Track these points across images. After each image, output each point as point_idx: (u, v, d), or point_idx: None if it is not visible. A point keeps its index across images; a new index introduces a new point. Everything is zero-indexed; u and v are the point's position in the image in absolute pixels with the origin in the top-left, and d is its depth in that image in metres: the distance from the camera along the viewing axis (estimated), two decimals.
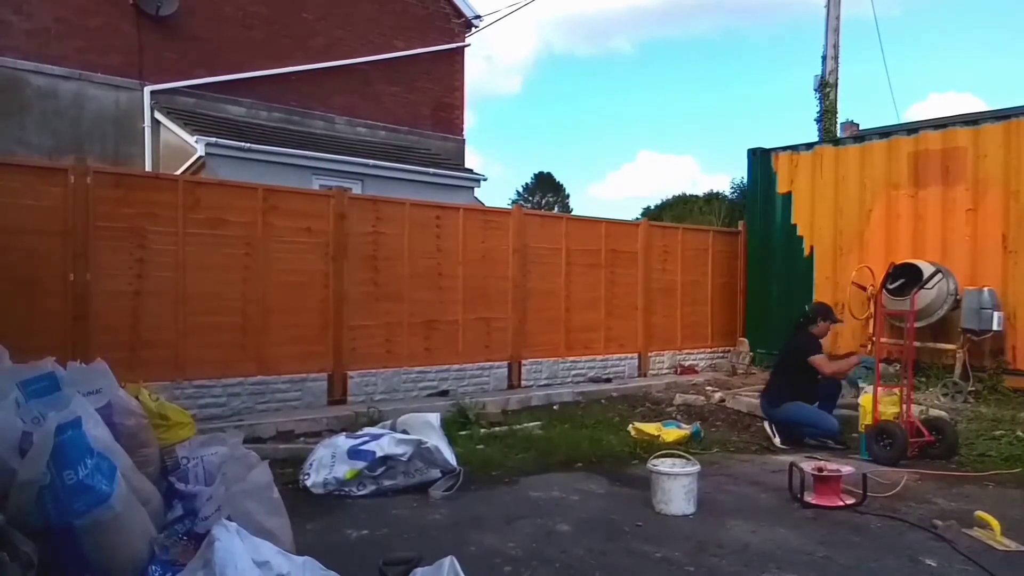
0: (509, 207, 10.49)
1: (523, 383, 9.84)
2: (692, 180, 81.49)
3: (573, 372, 10.42)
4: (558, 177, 51.67)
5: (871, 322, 9.82)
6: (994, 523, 4.43)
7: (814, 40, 14.61)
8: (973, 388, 8.92)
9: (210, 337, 7.41)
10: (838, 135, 14.40)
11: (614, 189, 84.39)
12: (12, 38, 10.62)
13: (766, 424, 7.61)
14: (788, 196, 11.80)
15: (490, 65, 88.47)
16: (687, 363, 11.74)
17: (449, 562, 2.93)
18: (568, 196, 50.87)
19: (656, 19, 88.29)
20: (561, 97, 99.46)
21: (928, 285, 9.15)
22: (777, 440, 7.27)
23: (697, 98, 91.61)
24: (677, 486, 4.89)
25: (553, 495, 5.36)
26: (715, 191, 30.70)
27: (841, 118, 15.27)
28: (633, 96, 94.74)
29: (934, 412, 7.69)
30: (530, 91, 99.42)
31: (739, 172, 12.84)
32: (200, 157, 10.62)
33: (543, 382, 10.04)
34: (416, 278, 8.91)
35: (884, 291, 8.83)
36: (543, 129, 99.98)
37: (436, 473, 5.43)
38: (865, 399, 6.87)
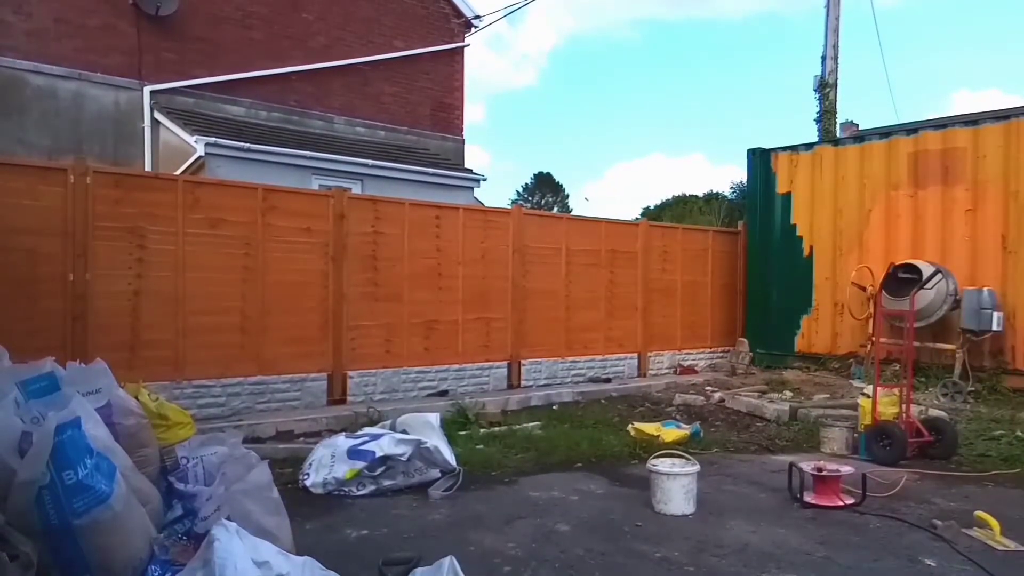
0: (509, 207, 10.49)
1: (523, 383, 9.85)
2: (699, 176, 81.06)
3: (573, 372, 10.42)
4: (557, 177, 51.83)
5: (871, 322, 9.84)
6: (993, 523, 4.43)
7: (818, 39, 14.58)
8: (973, 388, 8.92)
9: (210, 337, 7.41)
10: (837, 135, 14.42)
11: (614, 189, 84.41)
12: (12, 38, 10.61)
13: None
14: (788, 196, 11.81)
15: (501, 62, 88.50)
16: (687, 363, 11.74)
17: (449, 562, 2.94)
18: (568, 196, 50.92)
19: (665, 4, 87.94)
20: (568, 95, 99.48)
21: (928, 285, 9.17)
22: None
23: (701, 94, 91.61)
24: (676, 486, 4.90)
25: (553, 495, 5.36)
26: (715, 191, 30.73)
27: (848, 117, 15.32)
28: (639, 92, 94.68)
29: (933, 412, 7.69)
30: (540, 89, 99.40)
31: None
32: (200, 157, 10.61)
33: (543, 382, 10.05)
34: (416, 278, 8.91)
35: (883, 291, 8.85)
36: (552, 127, 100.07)
37: (436, 473, 5.43)
38: (864, 399, 6.86)
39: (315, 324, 8.15)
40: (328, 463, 5.40)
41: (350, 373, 8.37)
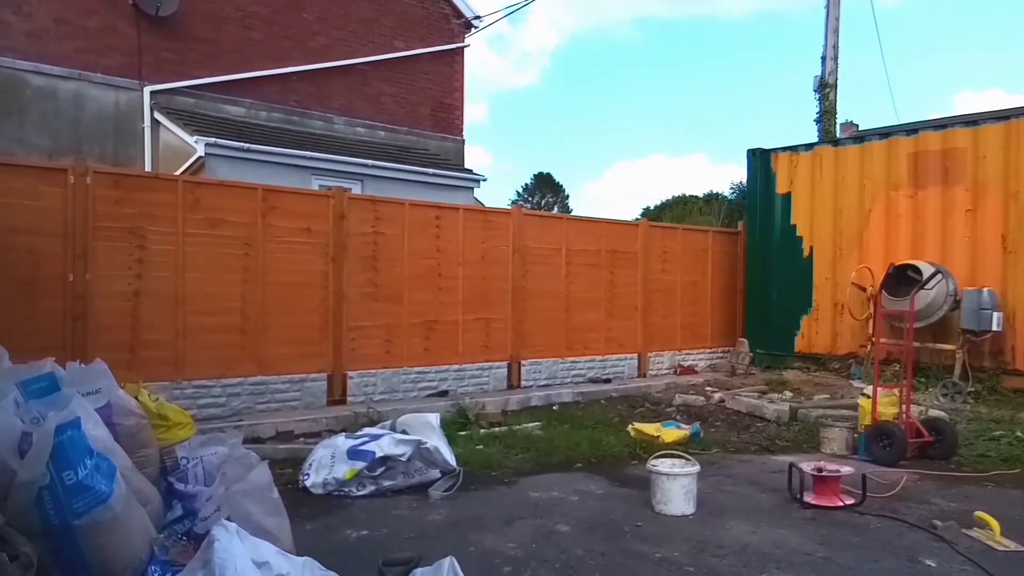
0: (509, 207, 10.49)
1: (523, 383, 9.84)
2: (699, 176, 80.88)
3: (573, 372, 10.42)
4: (557, 177, 51.90)
5: (871, 322, 9.84)
6: (994, 523, 4.43)
7: (818, 39, 14.58)
8: (972, 388, 8.92)
9: (209, 337, 7.41)
10: (837, 136, 14.42)
11: (614, 189, 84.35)
12: (12, 38, 10.61)
13: None
14: (788, 197, 11.81)
15: (502, 61, 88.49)
16: (687, 363, 11.74)
17: (449, 562, 2.94)
18: (568, 196, 50.97)
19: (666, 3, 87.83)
20: (569, 95, 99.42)
21: (928, 286, 9.16)
22: None
23: (701, 94, 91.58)
24: (676, 486, 4.90)
25: (552, 495, 5.36)
26: (715, 191, 30.70)
27: (848, 117, 15.31)
28: (639, 92, 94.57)
29: (933, 412, 7.69)
30: (541, 88, 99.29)
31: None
32: (200, 157, 10.61)
33: (543, 382, 10.04)
34: (416, 278, 8.91)
35: (883, 292, 8.84)
36: (553, 127, 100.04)
37: (436, 473, 5.43)
38: (864, 400, 6.86)
39: (315, 324, 8.15)
40: (328, 463, 5.40)
41: (350, 373, 8.37)
